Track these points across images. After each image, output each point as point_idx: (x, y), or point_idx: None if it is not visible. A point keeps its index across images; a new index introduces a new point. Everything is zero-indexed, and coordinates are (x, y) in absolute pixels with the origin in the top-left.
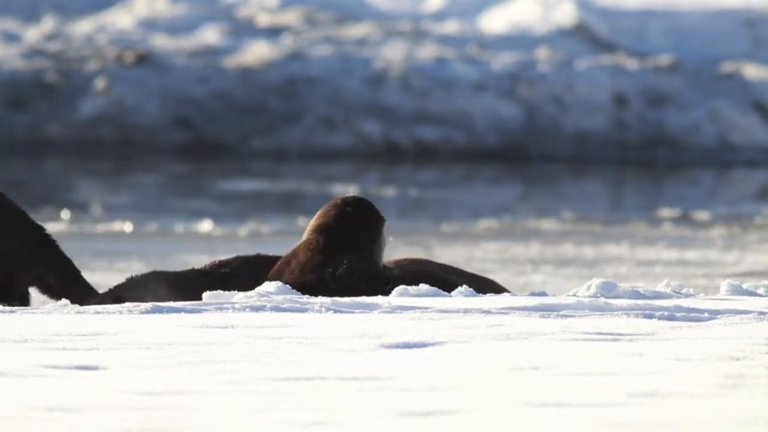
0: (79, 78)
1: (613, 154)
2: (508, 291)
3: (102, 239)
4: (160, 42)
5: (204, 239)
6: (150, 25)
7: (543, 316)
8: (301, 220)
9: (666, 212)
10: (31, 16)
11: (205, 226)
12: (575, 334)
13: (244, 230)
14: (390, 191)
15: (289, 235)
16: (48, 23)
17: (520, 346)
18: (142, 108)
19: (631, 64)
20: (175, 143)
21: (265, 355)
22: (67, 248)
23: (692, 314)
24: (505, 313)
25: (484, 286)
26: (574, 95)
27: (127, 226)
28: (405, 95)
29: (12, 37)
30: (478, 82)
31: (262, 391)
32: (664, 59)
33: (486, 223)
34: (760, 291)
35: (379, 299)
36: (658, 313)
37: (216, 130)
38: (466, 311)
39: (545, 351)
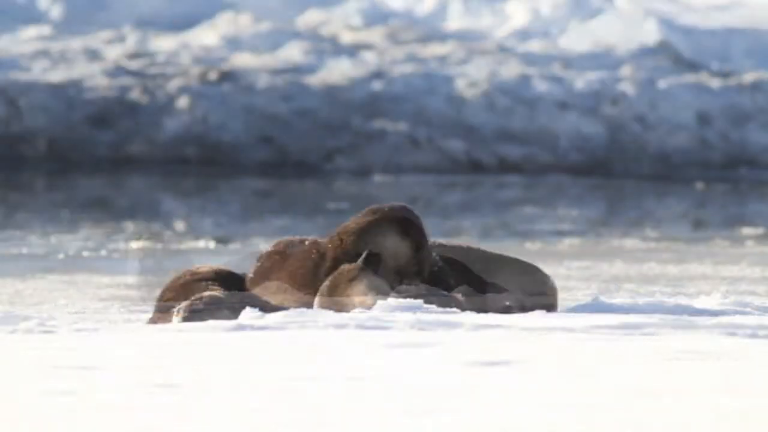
0: (163, 96)
1: (696, 173)
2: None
3: (186, 257)
4: (244, 60)
5: None
6: (233, 42)
7: (626, 335)
8: None
9: (749, 230)
10: (115, 33)
11: None
12: (659, 352)
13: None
14: (473, 210)
15: None
16: (131, 41)
17: (603, 365)
18: (226, 126)
19: (715, 82)
20: (259, 161)
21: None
22: (152, 265)
23: None
24: (589, 332)
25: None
26: (658, 114)
27: (211, 244)
28: (488, 113)
29: (95, 55)
30: (562, 101)
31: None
32: (748, 77)
33: (569, 241)
34: None
35: (462, 317)
36: (740, 331)
37: (300, 148)
38: (550, 330)
39: (629, 369)
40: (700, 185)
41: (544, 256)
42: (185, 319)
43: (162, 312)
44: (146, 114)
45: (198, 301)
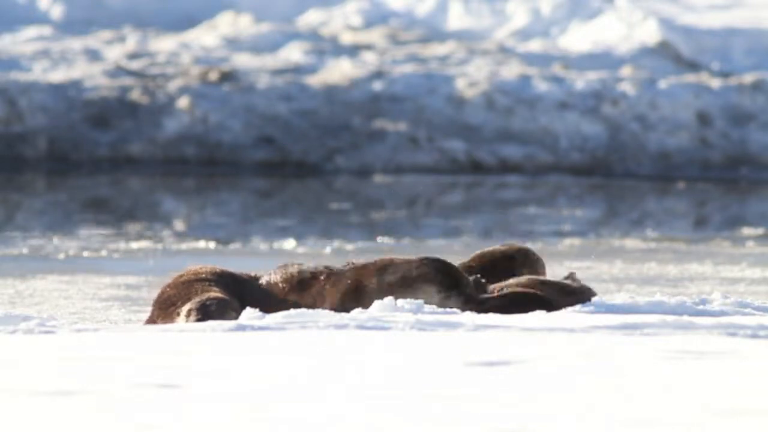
0: (163, 96)
1: (696, 173)
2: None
3: (186, 257)
4: (244, 60)
5: (288, 257)
6: (234, 43)
7: (627, 335)
8: (383, 239)
9: (749, 230)
10: (115, 33)
11: (289, 244)
12: (658, 352)
13: (328, 248)
14: (473, 210)
15: (373, 254)
16: (131, 41)
17: (603, 365)
18: (226, 126)
19: (715, 82)
20: (259, 161)
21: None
22: (152, 266)
23: None
24: (589, 332)
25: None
26: (658, 114)
27: (211, 244)
28: (488, 113)
29: (95, 55)
30: (562, 101)
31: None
32: (748, 78)
33: (570, 241)
34: None
35: (462, 317)
36: (741, 332)
37: (300, 148)
38: (550, 330)
39: (629, 369)
40: (681, 184)
41: (544, 256)
42: (199, 320)
43: (162, 310)
44: (146, 114)
45: (211, 302)
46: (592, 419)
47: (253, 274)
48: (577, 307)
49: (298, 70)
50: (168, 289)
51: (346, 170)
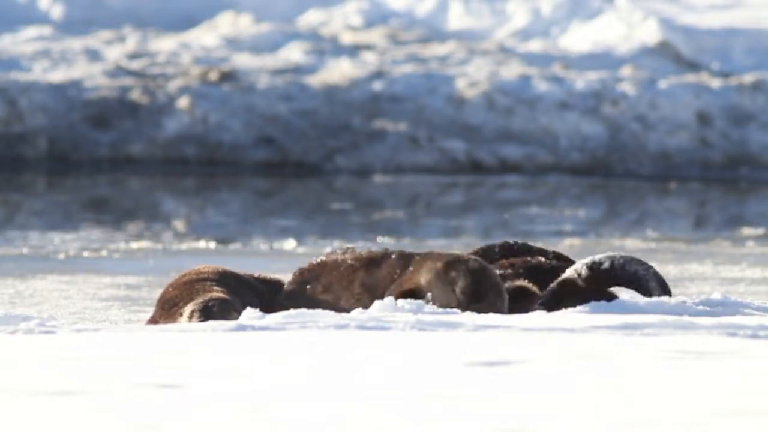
0: (163, 96)
1: (696, 173)
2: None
3: (186, 257)
4: (244, 60)
5: (288, 257)
6: (233, 42)
7: (627, 335)
8: (383, 239)
9: (749, 230)
10: (115, 33)
11: (289, 244)
12: (658, 352)
13: (328, 248)
14: (473, 210)
15: None
16: (131, 41)
17: (603, 365)
18: (226, 126)
19: (715, 82)
20: (259, 161)
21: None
22: (152, 266)
23: None
24: (589, 332)
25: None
26: (658, 114)
27: (212, 244)
28: (488, 113)
29: (95, 55)
30: (562, 101)
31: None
32: (748, 78)
33: (570, 241)
34: None
35: (462, 317)
36: (741, 332)
37: (300, 148)
38: (550, 330)
39: (629, 369)
40: (681, 184)
41: None
42: (201, 321)
43: (165, 310)
44: (146, 114)
45: (213, 303)
46: (592, 419)
47: (256, 274)
48: (577, 307)
49: (298, 70)
50: (170, 290)
51: (346, 170)
